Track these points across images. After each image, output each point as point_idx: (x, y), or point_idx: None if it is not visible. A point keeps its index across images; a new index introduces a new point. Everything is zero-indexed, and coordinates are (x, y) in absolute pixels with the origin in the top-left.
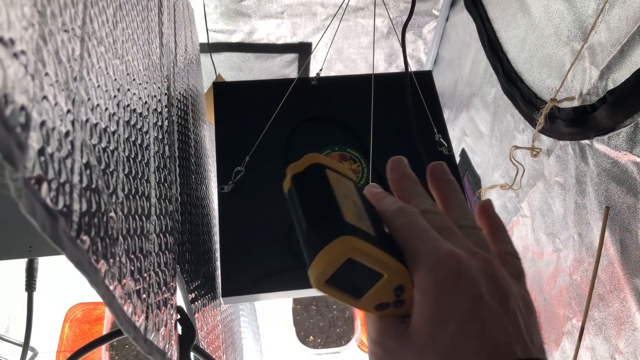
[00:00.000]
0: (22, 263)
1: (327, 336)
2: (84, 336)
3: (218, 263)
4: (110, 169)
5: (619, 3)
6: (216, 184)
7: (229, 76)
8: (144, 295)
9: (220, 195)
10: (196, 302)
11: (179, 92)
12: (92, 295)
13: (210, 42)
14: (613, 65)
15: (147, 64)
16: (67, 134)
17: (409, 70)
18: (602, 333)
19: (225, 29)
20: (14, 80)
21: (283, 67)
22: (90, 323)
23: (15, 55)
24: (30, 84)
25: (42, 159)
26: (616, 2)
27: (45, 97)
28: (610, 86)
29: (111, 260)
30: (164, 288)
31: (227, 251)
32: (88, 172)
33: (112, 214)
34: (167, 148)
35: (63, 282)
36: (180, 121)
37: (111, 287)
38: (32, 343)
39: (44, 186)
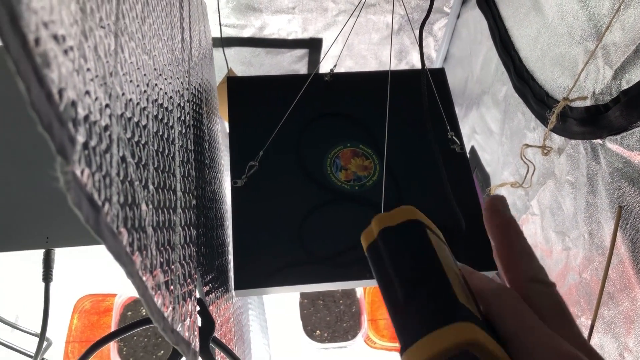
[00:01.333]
0: (30, 254)
1: (333, 331)
2: (93, 327)
3: (230, 256)
4: (142, 163)
5: (634, 3)
6: (229, 177)
7: (239, 71)
8: (171, 287)
9: (234, 189)
10: (210, 295)
11: (194, 87)
12: (100, 287)
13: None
14: (627, 65)
15: (171, 59)
16: (105, 127)
17: (425, 68)
18: (612, 331)
19: (237, 24)
20: (66, 76)
21: (293, 63)
22: (98, 314)
23: (66, 51)
24: (77, 79)
25: (86, 152)
26: (632, 2)
27: (87, 92)
28: (624, 86)
29: (144, 252)
30: (188, 280)
31: (239, 245)
32: (124, 165)
33: (144, 206)
34: (189, 142)
35: (72, 274)
36: (195, 115)
37: (144, 279)
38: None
39: (89, 179)
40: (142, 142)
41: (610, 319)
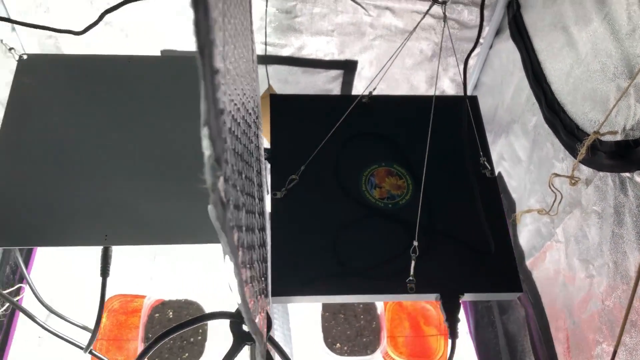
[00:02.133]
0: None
1: (353, 344)
2: (121, 326)
3: (269, 264)
4: (243, 173)
5: None
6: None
7: (275, 88)
8: (254, 283)
9: (273, 201)
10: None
11: (255, 100)
12: (130, 288)
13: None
14: None
15: (249, 68)
16: (225, 139)
17: (466, 95)
18: (633, 358)
19: (277, 43)
20: (225, 102)
21: (327, 82)
22: (126, 314)
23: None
24: (233, 109)
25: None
26: None
27: (232, 115)
28: None
29: (243, 251)
30: (262, 278)
31: (278, 253)
32: (236, 172)
33: (243, 211)
34: (259, 154)
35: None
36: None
37: (242, 273)
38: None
39: (224, 184)
40: (240, 153)
41: (633, 347)
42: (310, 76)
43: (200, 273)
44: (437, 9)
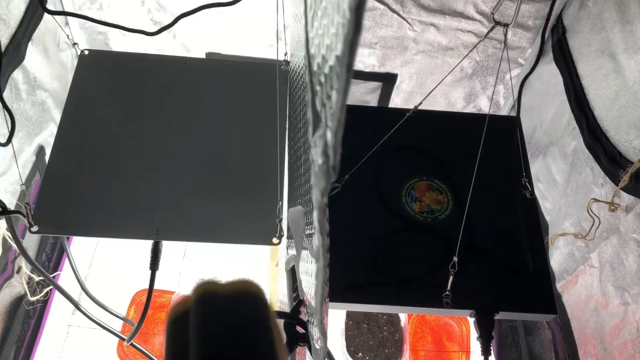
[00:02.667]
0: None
1: (375, 355)
2: (147, 321)
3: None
4: None
5: None
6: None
7: None
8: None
9: None
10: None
11: None
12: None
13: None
14: None
15: None
16: None
17: (519, 116)
18: None
19: None
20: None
21: (366, 94)
22: (153, 309)
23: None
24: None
25: None
26: None
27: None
28: None
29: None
30: (327, 282)
31: None
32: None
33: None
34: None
35: (132, 267)
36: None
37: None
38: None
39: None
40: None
41: None
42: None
43: (229, 271)
44: (480, 28)
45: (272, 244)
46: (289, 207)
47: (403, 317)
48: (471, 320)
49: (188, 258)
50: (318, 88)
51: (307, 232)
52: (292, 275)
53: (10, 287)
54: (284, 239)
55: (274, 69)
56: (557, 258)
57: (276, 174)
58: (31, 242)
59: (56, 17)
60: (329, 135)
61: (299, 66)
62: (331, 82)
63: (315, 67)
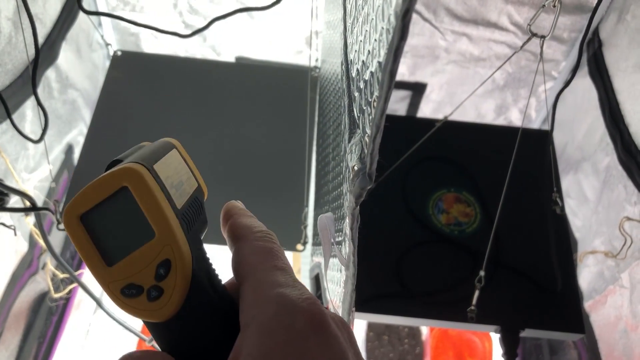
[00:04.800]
0: None
1: None
2: None
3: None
4: None
5: None
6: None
7: None
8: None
9: None
10: None
11: None
12: None
13: None
14: None
15: None
16: None
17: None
18: None
19: None
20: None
21: (394, 102)
22: None
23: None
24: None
25: None
26: None
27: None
28: None
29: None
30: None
31: None
32: None
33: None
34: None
35: None
36: None
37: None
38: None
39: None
40: None
41: None
42: None
43: None
44: (514, 39)
45: (296, 250)
46: (315, 214)
47: (425, 331)
48: (495, 337)
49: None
50: (356, 94)
51: (337, 239)
52: (316, 283)
53: (35, 283)
54: (309, 246)
55: (304, 75)
56: (585, 276)
57: (303, 180)
58: (57, 239)
59: (91, 17)
60: (367, 141)
61: (330, 73)
62: (371, 89)
63: (354, 73)
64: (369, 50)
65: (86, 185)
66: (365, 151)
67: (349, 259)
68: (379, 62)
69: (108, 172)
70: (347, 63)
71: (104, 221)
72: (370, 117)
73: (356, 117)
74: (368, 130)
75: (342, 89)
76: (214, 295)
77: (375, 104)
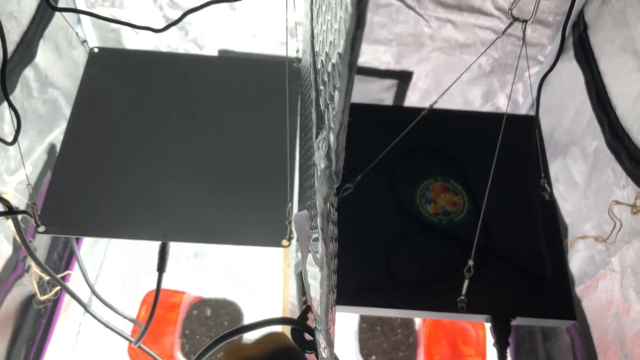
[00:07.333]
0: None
1: (389, 358)
2: (158, 321)
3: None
4: None
5: None
6: None
7: None
8: (332, 293)
9: None
10: None
11: None
12: (169, 284)
13: None
14: None
15: None
16: None
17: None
18: None
19: None
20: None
21: (381, 92)
22: (165, 309)
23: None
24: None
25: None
26: None
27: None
28: None
29: (334, 261)
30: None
31: None
32: None
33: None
34: None
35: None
36: None
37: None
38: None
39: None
40: None
41: None
42: (364, 84)
43: (239, 273)
44: (499, 25)
45: (281, 246)
46: (299, 209)
47: (418, 320)
48: (487, 325)
49: (199, 259)
50: (322, 87)
51: (313, 236)
52: (302, 280)
53: (21, 285)
54: (294, 241)
55: (288, 67)
56: (576, 261)
57: (286, 174)
58: (42, 240)
59: (68, 14)
60: (332, 138)
61: (308, 63)
62: (334, 82)
63: (319, 65)
64: (330, 41)
65: None
66: (331, 148)
67: (322, 260)
68: (339, 54)
69: None
70: (313, 54)
71: None
72: (334, 111)
73: (322, 111)
74: (332, 125)
75: (310, 81)
76: None
77: (337, 97)
